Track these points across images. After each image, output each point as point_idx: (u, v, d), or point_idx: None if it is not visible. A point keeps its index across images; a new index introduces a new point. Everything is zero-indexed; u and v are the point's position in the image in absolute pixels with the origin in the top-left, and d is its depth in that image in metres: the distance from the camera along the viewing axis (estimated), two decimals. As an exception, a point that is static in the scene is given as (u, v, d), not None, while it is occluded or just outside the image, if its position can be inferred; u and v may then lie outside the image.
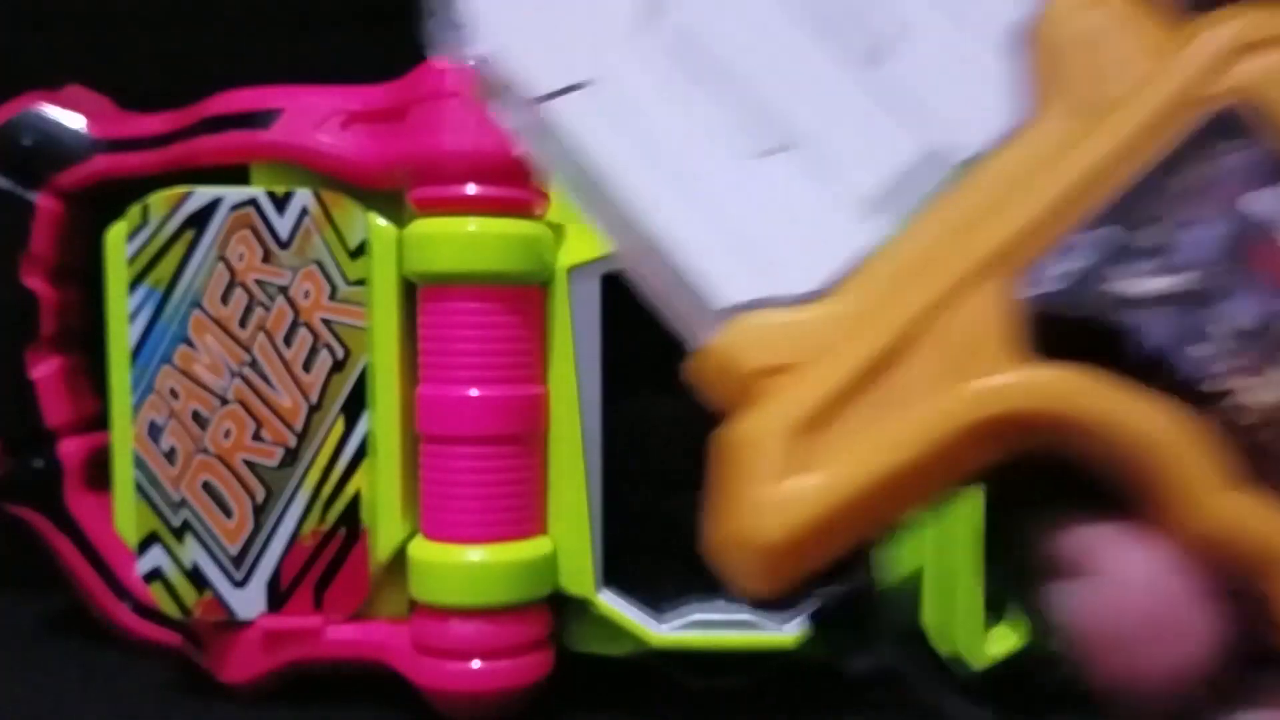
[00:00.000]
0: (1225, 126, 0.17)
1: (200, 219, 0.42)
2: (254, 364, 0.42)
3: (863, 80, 0.19)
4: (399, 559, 0.42)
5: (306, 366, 0.42)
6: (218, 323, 0.42)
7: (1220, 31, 0.18)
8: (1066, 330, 0.17)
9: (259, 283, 0.42)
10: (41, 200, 0.46)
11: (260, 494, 0.43)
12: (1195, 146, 0.17)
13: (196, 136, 0.44)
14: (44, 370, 0.47)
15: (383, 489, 0.42)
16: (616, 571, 0.42)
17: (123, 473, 0.44)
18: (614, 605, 0.42)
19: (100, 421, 0.46)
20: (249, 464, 0.43)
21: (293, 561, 0.43)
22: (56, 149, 0.46)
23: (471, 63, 0.20)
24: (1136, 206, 0.17)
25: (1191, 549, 0.17)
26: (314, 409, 0.42)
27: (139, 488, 0.43)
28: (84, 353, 0.47)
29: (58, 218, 0.46)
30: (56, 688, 0.45)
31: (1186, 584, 0.17)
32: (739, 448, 0.18)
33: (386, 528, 0.42)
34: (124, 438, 0.44)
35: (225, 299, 0.42)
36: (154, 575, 0.43)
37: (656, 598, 0.42)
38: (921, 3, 0.19)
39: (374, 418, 0.42)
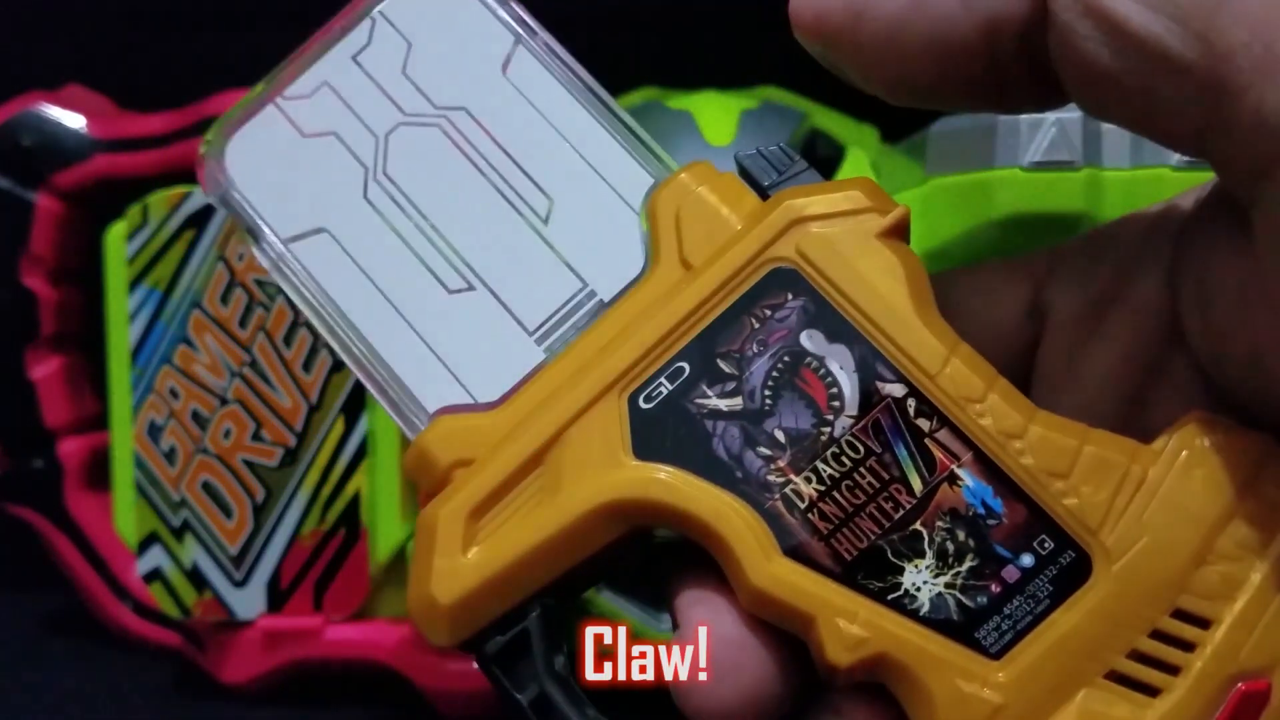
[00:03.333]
0: (785, 280, 0.22)
1: (200, 219, 0.42)
2: (254, 364, 0.42)
3: (533, 235, 0.24)
4: (399, 559, 0.42)
5: (306, 366, 0.42)
6: (218, 323, 0.42)
7: (784, 208, 0.23)
8: (669, 433, 0.22)
9: (259, 283, 0.42)
10: (41, 200, 0.46)
11: (260, 494, 0.43)
12: (764, 295, 0.22)
13: (196, 136, 0.44)
14: (44, 370, 0.47)
15: (383, 489, 0.42)
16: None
17: (123, 473, 0.44)
18: (614, 605, 0.42)
19: (100, 421, 0.46)
20: (249, 464, 0.43)
21: (293, 561, 0.43)
22: (56, 149, 0.46)
23: (229, 208, 0.25)
24: (721, 339, 0.22)
25: (750, 605, 0.22)
26: (314, 409, 0.42)
27: (139, 488, 0.43)
28: (84, 353, 0.47)
29: (58, 218, 0.46)
30: (56, 688, 0.45)
31: (744, 633, 0.22)
32: (427, 527, 0.23)
33: (386, 528, 0.42)
34: (124, 438, 0.44)
35: (225, 299, 0.42)
36: (154, 575, 0.43)
37: (656, 597, 0.42)
38: (572, 176, 0.24)
39: (373, 418, 0.42)
